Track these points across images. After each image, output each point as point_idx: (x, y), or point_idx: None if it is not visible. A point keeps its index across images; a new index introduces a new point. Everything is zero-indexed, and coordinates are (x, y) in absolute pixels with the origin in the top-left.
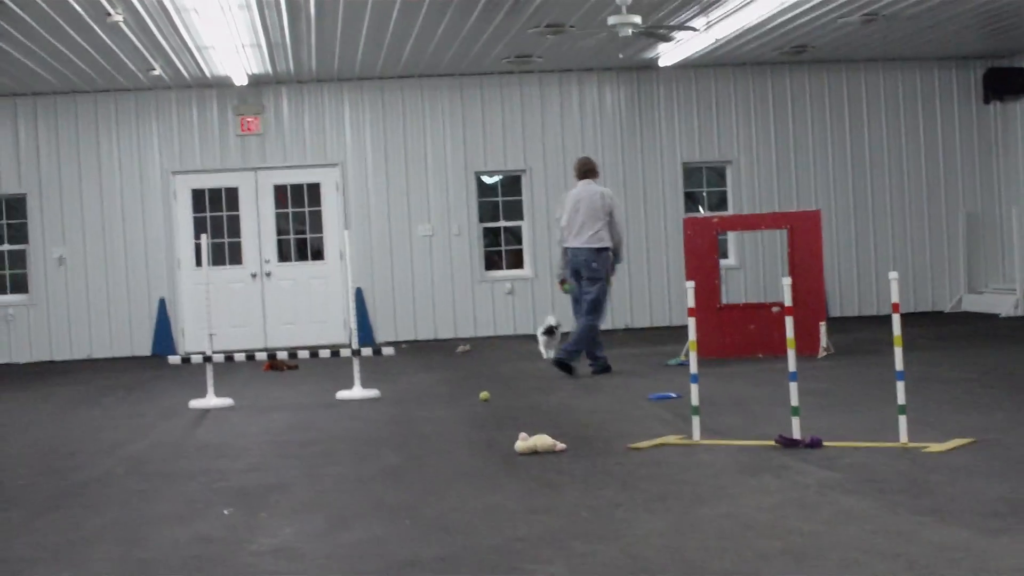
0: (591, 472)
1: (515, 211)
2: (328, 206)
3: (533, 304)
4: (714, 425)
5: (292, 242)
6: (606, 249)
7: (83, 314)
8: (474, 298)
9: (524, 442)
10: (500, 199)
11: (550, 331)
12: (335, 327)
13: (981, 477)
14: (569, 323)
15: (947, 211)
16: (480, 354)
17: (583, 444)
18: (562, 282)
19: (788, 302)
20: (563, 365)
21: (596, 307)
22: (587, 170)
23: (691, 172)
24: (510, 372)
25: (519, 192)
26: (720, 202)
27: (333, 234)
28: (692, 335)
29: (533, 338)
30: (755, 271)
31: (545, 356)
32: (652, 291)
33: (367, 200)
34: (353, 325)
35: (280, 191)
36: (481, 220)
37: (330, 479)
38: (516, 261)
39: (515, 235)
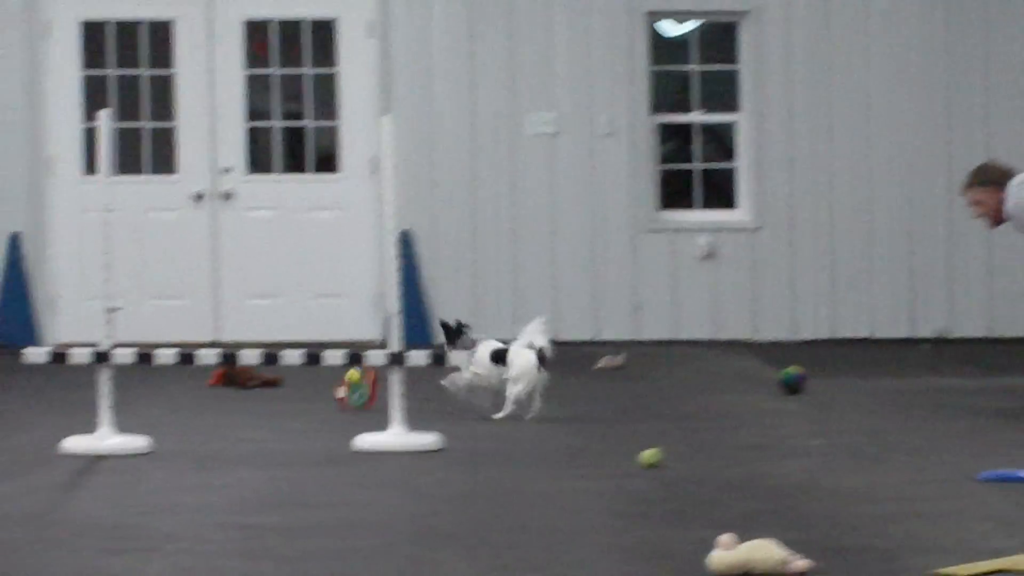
0: None
1: (722, 93)
2: (351, 66)
3: (753, 280)
4: None
5: (276, 135)
6: None
7: None
8: (636, 263)
9: (727, 552)
10: (694, 67)
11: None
12: (355, 305)
13: None
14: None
15: None
16: (643, 373)
17: (847, 564)
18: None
19: None
20: None
21: None
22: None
23: None
24: (702, 410)
25: (732, 54)
26: None
27: (359, 124)
28: None
29: (736, 346)
30: None
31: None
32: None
33: (429, 61)
34: (394, 303)
35: (255, 31)
36: (656, 110)
37: None
38: (721, 194)
39: (719, 140)
